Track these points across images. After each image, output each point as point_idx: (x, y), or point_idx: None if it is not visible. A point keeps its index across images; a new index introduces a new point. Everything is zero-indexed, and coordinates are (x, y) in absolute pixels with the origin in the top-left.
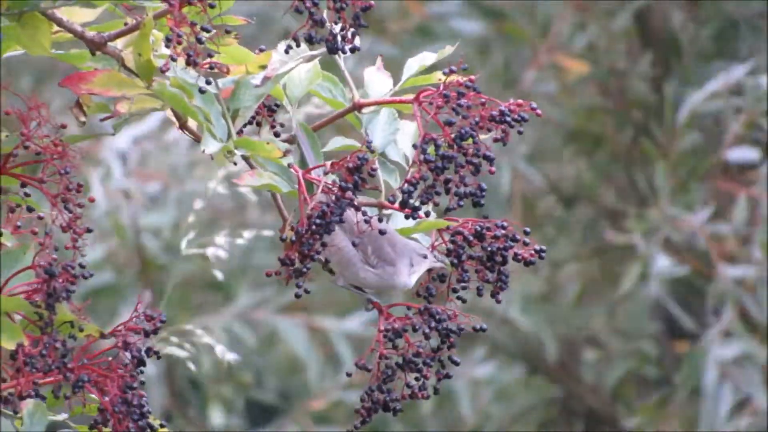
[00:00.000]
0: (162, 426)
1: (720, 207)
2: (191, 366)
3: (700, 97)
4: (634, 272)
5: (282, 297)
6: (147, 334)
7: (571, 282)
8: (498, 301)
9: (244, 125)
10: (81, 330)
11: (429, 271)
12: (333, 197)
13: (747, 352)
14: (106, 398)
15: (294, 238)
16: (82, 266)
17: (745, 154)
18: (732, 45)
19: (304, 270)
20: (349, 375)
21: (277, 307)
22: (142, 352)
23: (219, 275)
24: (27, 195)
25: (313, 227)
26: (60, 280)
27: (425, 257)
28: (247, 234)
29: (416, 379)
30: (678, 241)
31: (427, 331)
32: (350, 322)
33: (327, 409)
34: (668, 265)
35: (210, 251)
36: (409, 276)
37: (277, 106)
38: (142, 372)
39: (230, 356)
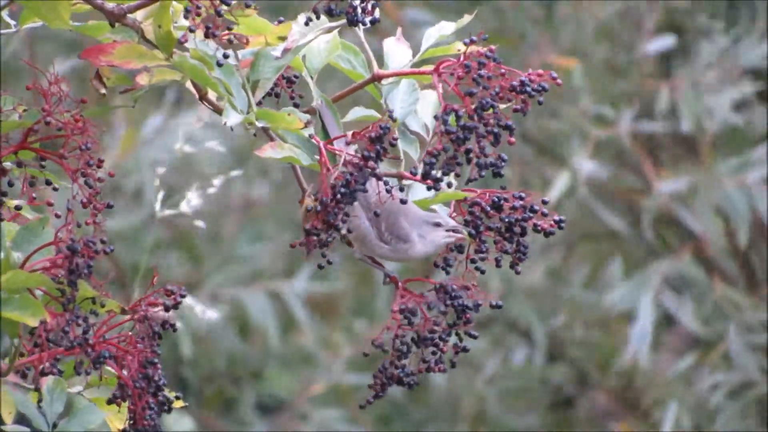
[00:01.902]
0: (177, 398)
1: (644, 103)
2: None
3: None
4: (563, 180)
5: (241, 268)
6: (167, 309)
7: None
8: (517, 272)
9: (264, 97)
10: (102, 306)
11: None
12: (355, 167)
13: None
14: (127, 373)
15: (319, 208)
16: (103, 242)
17: (663, 42)
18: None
19: (329, 240)
20: (366, 355)
21: (238, 280)
22: (159, 326)
23: (201, 224)
24: (42, 167)
25: (338, 196)
26: (82, 256)
27: (437, 225)
28: (217, 181)
29: (433, 353)
30: (603, 140)
31: (442, 308)
32: (299, 283)
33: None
34: (594, 169)
35: (183, 205)
36: (425, 246)
37: (296, 77)
38: (159, 345)
39: (211, 314)
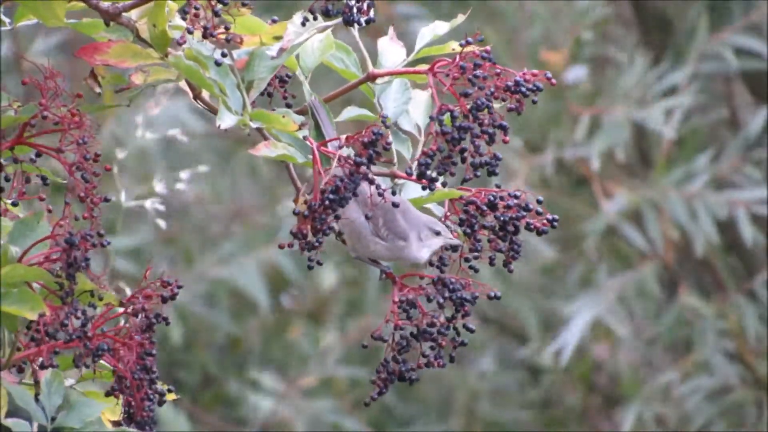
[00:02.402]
0: (170, 391)
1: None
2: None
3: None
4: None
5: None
6: (165, 300)
7: None
8: (510, 271)
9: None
10: (101, 299)
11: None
12: (347, 171)
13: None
14: (124, 365)
15: (307, 213)
16: (100, 235)
17: (577, 72)
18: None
19: (316, 244)
20: (365, 347)
21: (221, 257)
22: (153, 318)
23: (162, 224)
24: (33, 161)
25: (327, 202)
26: (80, 250)
27: (437, 233)
28: (184, 174)
29: (432, 348)
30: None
31: (441, 300)
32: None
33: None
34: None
35: (148, 203)
36: (420, 250)
37: (289, 77)
38: (153, 337)
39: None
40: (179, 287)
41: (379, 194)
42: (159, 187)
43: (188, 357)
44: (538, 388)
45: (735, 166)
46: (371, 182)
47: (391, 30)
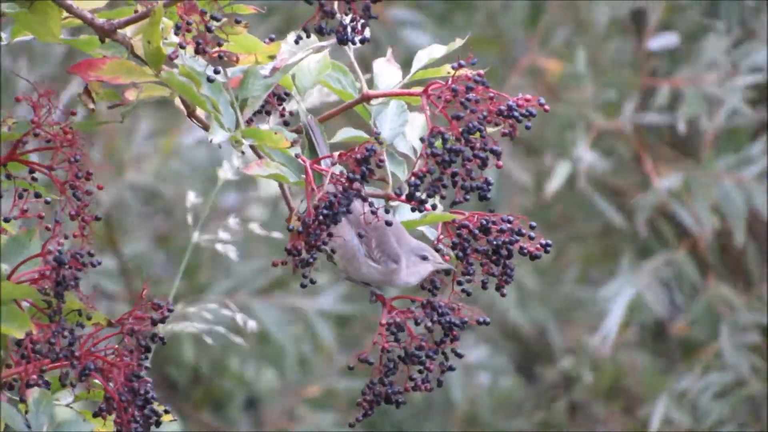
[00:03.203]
0: (167, 412)
1: (646, 100)
2: (208, 340)
3: None
4: (563, 170)
5: (256, 280)
6: (155, 323)
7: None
8: (503, 295)
9: (254, 114)
10: (89, 318)
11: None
12: (340, 188)
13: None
14: (113, 386)
15: (301, 229)
16: (90, 254)
17: (667, 40)
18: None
19: (311, 260)
20: (351, 368)
21: (251, 291)
22: (148, 340)
23: (233, 254)
24: (34, 179)
25: (320, 218)
26: (69, 268)
27: (425, 258)
28: (255, 226)
29: (419, 371)
30: (607, 132)
31: (429, 324)
32: (325, 299)
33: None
34: (595, 160)
35: (220, 247)
36: (408, 275)
37: (287, 94)
38: (147, 359)
39: (251, 324)
40: (170, 310)
41: (372, 212)
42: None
43: (175, 352)
44: (567, 396)
45: None
46: (364, 200)
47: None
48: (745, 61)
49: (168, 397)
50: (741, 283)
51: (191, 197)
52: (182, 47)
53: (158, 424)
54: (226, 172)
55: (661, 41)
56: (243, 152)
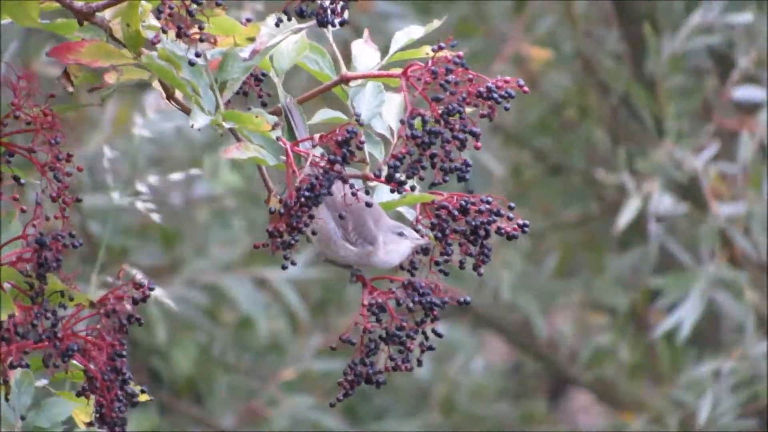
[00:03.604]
0: (143, 392)
1: (724, 147)
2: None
3: (679, 37)
4: (632, 206)
5: (224, 255)
6: (136, 302)
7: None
8: (480, 275)
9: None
10: (71, 299)
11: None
12: (321, 170)
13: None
14: (95, 366)
15: (282, 211)
16: (71, 235)
17: (752, 93)
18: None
19: (292, 242)
20: (333, 348)
21: (221, 266)
22: (125, 319)
23: (156, 219)
24: (8, 161)
25: (302, 200)
26: (51, 250)
27: (401, 234)
28: (176, 176)
29: (400, 351)
30: (681, 180)
31: (411, 305)
32: (293, 269)
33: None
34: (668, 204)
35: (140, 205)
36: (388, 255)
37: (264, 75)
38: (125, 338)
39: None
40: (151, 289)
41: (353, 194)
42: (144, 186)
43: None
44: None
45: None
46: (345, 181)
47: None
48: None
49: (151, 390)
50: None
51: (107, 152)
52: (164, 32)
53: (135, 404)
54: (141, 128)
55: (747, 92)
56: (221, 134)
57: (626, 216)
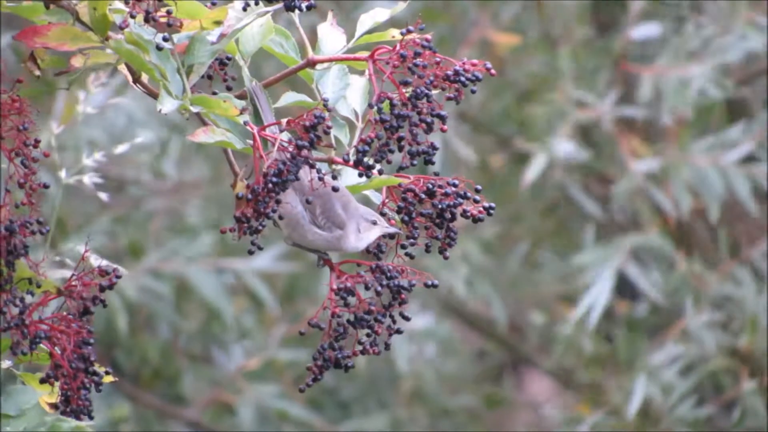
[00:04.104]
0: (107, 373)
1: (626, 90)
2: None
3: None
4: (540, 160)
5: (191, 247)
6: (103, 289)
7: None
8: (446, 258)
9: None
10: (39, 286)
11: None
12: (288, 155)
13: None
14: (62, 353)
15: (250, 196)
16: (39, 222)
17: (649, 30)
18: None
19: (260, 228)
20: (302, 334)
21: (187, 258)
22: (89, 302)
23: (104, 197)
24: None
25: (269, 185)
26: (19, 237)
27: (375, 223)
28: (122, 148)
29: (367, 335)
30: (585, 124)
31: (379, 288)
32: (261, 260)
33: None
34: (572, 150)
35: (86, 179)
36: (358, 240)
37: (229, 59)
38: (90, 323)
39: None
40: (118, 277)
41: (320, 179)
42: (91, 161)
43: (129, 343)
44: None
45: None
46: (312, 166)
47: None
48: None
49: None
50: (715, 260)
51: (53, 127)
52: (132, 16)
53: (99, 386)
54: (84, 104)
55: (643, 31)
56: (188, 118)
57: (534, 170)
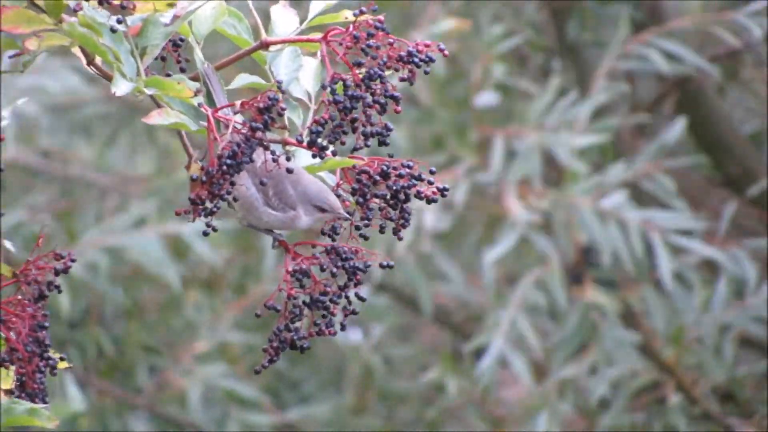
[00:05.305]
0: (62, 359)
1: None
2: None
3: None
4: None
5: (126, 217)
6: (58, 273)
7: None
8: (400, 239)
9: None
10: None
11: None
12: (243, 137)
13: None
14: (17, 337)
15: (204, 178)
16: None
17: (489, 98)
18: None
19: (214, 210)
20: (258, 316)
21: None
22: (44, 287)
23: (12, 152)
24: None
25: (224, 167)
26: None
27: (323, 211)
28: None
29: (323, 316)
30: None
31: (334, 270)
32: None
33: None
34: (434, 219)
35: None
36: (311, 220)
37: (182, 40)
38: (45, 307)
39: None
40: (72, 260)
41: (274, 160)
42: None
43: (81, 335)
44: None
45: (647, 173)
46: (266, 148)
47: None
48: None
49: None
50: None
51: None
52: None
53: (54, 371)
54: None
55: (485, 98)
56: (142, 100)
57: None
